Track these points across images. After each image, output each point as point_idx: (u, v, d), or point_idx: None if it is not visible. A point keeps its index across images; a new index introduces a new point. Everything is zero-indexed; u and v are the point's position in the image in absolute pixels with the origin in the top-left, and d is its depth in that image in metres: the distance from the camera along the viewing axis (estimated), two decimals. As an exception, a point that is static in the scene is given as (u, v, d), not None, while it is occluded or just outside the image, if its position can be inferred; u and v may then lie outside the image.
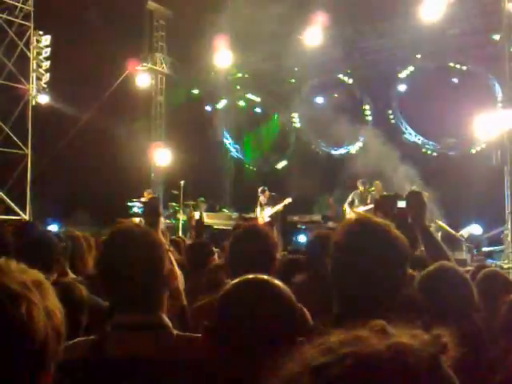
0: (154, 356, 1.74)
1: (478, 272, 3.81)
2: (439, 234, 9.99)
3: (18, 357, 1.01)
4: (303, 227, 13.69)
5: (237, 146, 17.54)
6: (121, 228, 2.06)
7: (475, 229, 11.74)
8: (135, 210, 13.46)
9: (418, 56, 14.10)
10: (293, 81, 15.99)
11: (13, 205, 13.76)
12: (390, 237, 1.81)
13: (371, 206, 12.02)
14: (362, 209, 12.21)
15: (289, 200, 12.56)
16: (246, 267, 1.78)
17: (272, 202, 12.74)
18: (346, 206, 12.60)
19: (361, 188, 12.46)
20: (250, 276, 1.64)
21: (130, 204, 13.62)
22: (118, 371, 1.72)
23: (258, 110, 16.98)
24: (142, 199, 13.35)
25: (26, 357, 1.02)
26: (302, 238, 13.17)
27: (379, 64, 15.12)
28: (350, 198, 12.61)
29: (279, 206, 12.59)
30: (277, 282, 1.64)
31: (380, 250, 1.78)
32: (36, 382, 1.06)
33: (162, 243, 1.95)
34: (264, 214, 12.78)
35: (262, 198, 12.86)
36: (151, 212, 3.02)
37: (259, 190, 12.99)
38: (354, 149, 15.15)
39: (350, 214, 12.53)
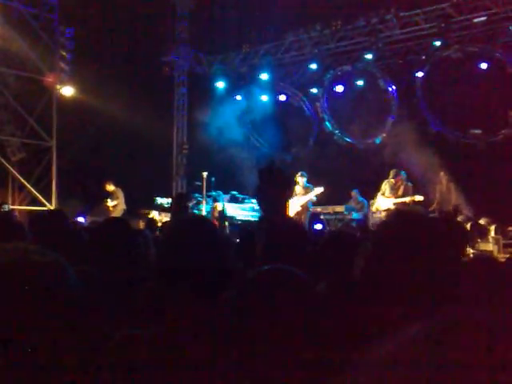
0: None
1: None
2: (468, 224, 9.87)
3: None
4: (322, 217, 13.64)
5: (260, 137, 17.51)
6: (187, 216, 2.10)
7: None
8: (161, 202, 13.52)
9: (441, 44, 13.88)
10: (316, 69, 15.85)
11: (39, 196, 13.94)
12: (425, 223, 1.75)
13: (403, 199, 11.86)
14: (391, 200, 12.04)
15: (320, 189, 12.35)
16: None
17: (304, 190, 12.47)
18: (379, 197, 12.40)
19: (392, 180, 12.23)
20: (271, 267, 1.63)
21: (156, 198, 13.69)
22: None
23: (282, 99, 16.91)
24: (110, 188, 13.37)
25: None
26: (319, 226, 13.11)
27: (404, 53, 14.94)
28: (382, 189, 12.40)
29: (311, 195, 12.39)
30: (297, 271, 1.63)
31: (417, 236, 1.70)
32: None
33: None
34: (296, 203, 12.58)
35: (297, 187, 12.61)
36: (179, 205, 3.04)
37: (298, 174, 12.56)
38: (378, 139, 14.99)
39: (376, 204, 12.39)
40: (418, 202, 11.78)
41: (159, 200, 13.57)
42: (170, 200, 13.71)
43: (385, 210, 11.84)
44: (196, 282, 1.79)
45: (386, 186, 12.30)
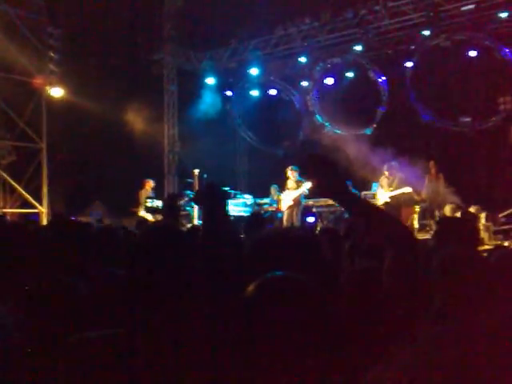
0: None
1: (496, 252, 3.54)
2: (458, 213, 9.81)
3: None
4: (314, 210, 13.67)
5: (251, 132, 17.47)
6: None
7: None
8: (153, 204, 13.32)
9: (430, 33, 13.81)
10: (305, 62, 15.80)
11: (30, 198, 13.92)
12: None
13: (398, 191, 11.71)
14: (388, 194, 11.87)
15: (308, 185, 12.25)
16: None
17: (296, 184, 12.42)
18: (378, 190, 12.21)
19: (386, 173, 12.06)
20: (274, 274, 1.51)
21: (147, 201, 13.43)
22: None
23: (272, 93, 16.87)
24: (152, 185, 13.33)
25: None
26: (311, 219, 13.21)
27: (393, 44, 14.87)
28: (380, 183, 12.19)
29: (303, 189, 12.20)
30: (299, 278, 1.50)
31: None
32: None
33: None
34: (288, 197, 12.54)
35: (289, 181, 12.56)
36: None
37: (289, 168, 12.48)
38: (368, 130, 14.91)
39: (377, 199, 12.14)
40: (407, 193, 11.66)
41: (151, 203, 13.38)
42: (160, 202, 13.56)
43: (382, 204, 11.71)
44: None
45: (383, 181, 12.10)
